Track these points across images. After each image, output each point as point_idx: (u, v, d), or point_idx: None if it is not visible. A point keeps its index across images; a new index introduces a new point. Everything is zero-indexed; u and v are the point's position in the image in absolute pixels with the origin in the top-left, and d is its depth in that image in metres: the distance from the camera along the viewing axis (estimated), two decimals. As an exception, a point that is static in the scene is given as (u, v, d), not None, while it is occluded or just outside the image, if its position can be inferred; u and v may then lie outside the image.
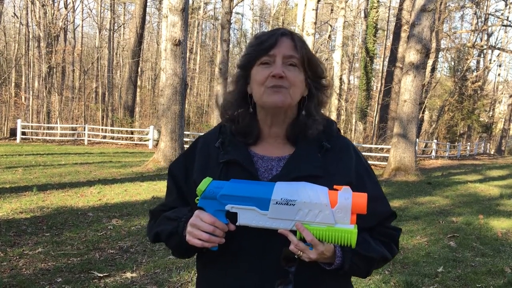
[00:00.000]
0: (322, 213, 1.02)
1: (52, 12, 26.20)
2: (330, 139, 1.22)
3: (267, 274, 1.11)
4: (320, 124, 1.21)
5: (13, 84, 30.03)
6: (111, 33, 31.91)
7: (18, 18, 30.52)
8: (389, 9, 27.53)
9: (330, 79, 1.30)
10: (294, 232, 1.05)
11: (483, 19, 29.10)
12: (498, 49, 30.36)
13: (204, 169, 1.20)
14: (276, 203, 1.04)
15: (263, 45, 1.15)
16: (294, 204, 1.03)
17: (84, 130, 22.33)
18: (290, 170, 1.15)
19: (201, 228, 1.07)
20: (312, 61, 1.19)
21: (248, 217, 1.06)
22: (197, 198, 1.11)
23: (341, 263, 1.10)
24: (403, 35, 20.78)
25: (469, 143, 29.67)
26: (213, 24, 41.31)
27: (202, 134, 1.34)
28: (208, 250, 1.12)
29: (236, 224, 1.07)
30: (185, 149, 1.29)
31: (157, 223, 1.26)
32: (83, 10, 32.25)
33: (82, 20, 32.62)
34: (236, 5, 22.84)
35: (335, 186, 1.06)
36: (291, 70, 1.15)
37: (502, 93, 40.60)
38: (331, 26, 25.50)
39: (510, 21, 28.57)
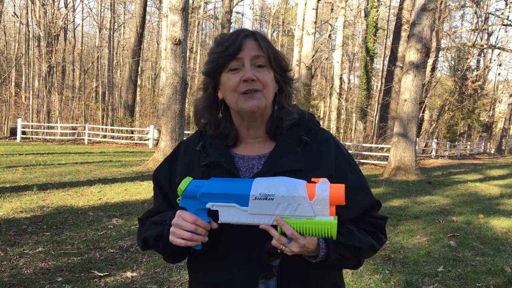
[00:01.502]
0: (301, 206, 1.02)
1: (52, 11, 26.20)
2: (310, 133, 1.24)
3: (253, 268, 1.13)
4: (294, 114, 1.23)
5: (13, 84, 30.02)
6: (111, 33, 31.90)
7: (18, 17, 30.51)
8: (389, 8, 27.51)
9: (294, 71, 1.33)
10: (276, 227, 1.05)
11: (483, 18, 29.09)
12: (499, 48, 30.34)
13: (186, 172, 1.21)
14: (255, 198, 1.04)
15: (229, 50, 1.15)
16: (273, 199, 1.03)
17: (84, 130, 22.33)
18: (271, 166, 1.17)
19: (183, 227, 1.08)
20: (277, 57, 1.20)
21: (229, 214, 1.07)
22: (179, 198, 1.12)
23: (326, 255, 1.11)
24: (403, 34, 20.76)
25: (469, 143, 29.67)
26: (213, 24, 41.29)
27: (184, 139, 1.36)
28: (192, 249, 1.12)
29: (218, 222, 1.08)
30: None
31: (144, 229, 1.27)
32: (83, 9, 32.24)
33: (82, 20, 32.60)
34: (236, 4, 22.84)
35: (313, 179, 1.06)
36: (261, 71, 1.16)
37: (502, 93, 40.60)
38: (331, 25, 25.47)
39: (510, 21, 28.55)
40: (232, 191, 1.06)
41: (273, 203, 1.03)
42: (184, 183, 1.10)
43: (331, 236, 1.03)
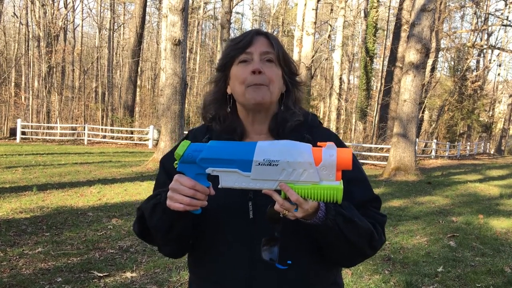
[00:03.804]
0: (306, 172, 0.99)
1: (52, 11, 26.19)
2: (312, 131, 1.25)
3: (254, 265, 1.13)
4: (300, 116, 1.24)
5: (13, 84, 30.00)
6: (111, 33, 31.90)
7: (18, 17, 30.51)
8: (389, 8, 27.52)
9: (302, 77, 1.33)
10: (278, 191, 1.02)
11: (483, 18, 29.11)
12: (498, 48, 30.38)
13: None
14: (259, 164, 1.00)
15: (239, 44, 1.21)
16: (278, 165, 0.99)
17: (84, 130, 22.33)
18: None
19: (181, 192, 1.03)
20: (286, 58, 1.24)
21: (231, 179, 1.02)
22: (176, 162, 1.06)
23: (323, 217, 1.06)
24: (403, 34, 20.78)
25: (469, 143, 29.70)
26: (213, 24, 41.31)
27: (192, 128, 1.36)
28: (191, 213, 1.07)
29: (218, 186, 1.04)
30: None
31: (141, 206, 1.23)
32: (83, 9, 32.25)
33: (82, 20, 32.60)
34: (236, 4, 22.83)
35: (319, 143, 1.03)
36: (269, 66, 1.20)
37: (502, 93, 40.63)
38: (331, 26, 25.49)
39: (510, 21, 28.58)
40: (234, 157, 1.01)
41: (278, 169, 0.99)
42: (182, 147, 1.04)
43: (337, 201, 1.00)
